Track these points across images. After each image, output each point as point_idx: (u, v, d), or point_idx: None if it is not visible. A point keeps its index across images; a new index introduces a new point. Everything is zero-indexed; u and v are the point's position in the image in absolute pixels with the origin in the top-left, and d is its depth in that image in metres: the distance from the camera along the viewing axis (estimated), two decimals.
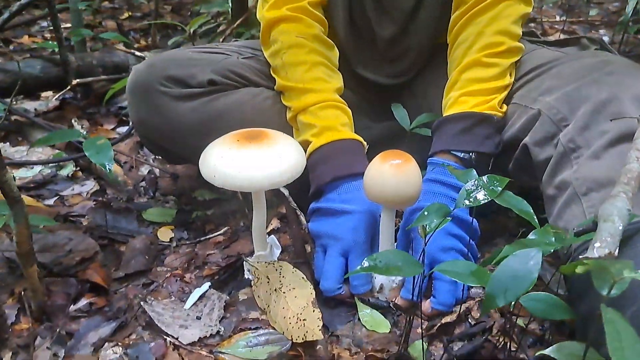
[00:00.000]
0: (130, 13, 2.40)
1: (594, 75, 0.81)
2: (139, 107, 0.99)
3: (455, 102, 0.92)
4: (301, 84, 0.97)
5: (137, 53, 1.49)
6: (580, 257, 0.46)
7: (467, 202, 0.65)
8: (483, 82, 0.91)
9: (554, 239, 0.64)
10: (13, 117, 1.33)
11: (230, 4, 1.46)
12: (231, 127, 0.92)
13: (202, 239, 1.05)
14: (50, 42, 1.47)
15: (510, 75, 0.94)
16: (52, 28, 1.77)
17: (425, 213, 0.62)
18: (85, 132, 1.43)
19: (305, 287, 0.83)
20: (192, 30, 1.44)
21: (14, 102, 1.39)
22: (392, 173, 0.76)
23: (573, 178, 0.75)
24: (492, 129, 0.89)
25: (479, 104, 0.90)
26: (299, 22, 0.98)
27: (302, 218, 1.04)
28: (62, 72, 1.40)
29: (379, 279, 0.86)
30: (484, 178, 0.65)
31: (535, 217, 0.63)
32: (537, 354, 0.61)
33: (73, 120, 1.45)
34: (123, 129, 1.46)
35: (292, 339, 0.77)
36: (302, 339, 0.76)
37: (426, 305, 0.82)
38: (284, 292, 0.84)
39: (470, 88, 0.91)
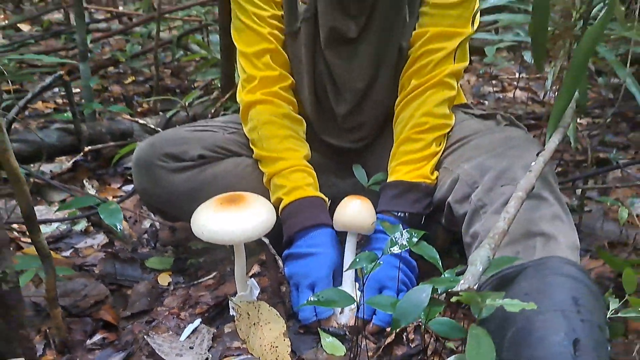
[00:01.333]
0: (134, 78, 2.66)
1: (498, 149, 1.05)
2: (141, 178, 1.22)
3: (393, 171, 1.17)
4: (275, 154, 1.20)
5: (140, 121, 1.74)
6: (449, 291, 0.68)
7: (394, 249, 0.86)
8: (412, 153, 1.14)
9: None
10: (33, 180, 1.56)
11: (219, 77, 1.71)
12: (218, 192, 1.15)
13: (195, 282, 1.25)
14: (65, 114, 1.71)
15: (439, 144, 1.17)
16: (63, 93, 2.03)
17: (357, 260, 0.84)
18: (95, 191, 1.66)
19: (278, 322, 1.03)
20: (186, 103, 1.69)
21: (32, 167, 1.62)
22: (352, 207, 1.07)
23: (481, 229, 0.97)
24: (420, 194, 1.13)
25: (411, 171, 1.13)
26: (270, 104, 1.22)
27: (280, 263, 1.25)
28: (75, 140, 1.63)
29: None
30: (405, 231, 0.87)
31: (439, 261, 0.85)
32: None
33: (84, 181, 1.68)
34: (128, 187, 1.69)
35: None
36: None
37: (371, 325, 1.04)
38: (261, 326, 1.04)
39: (403, 159, 1.15)
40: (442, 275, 0.85)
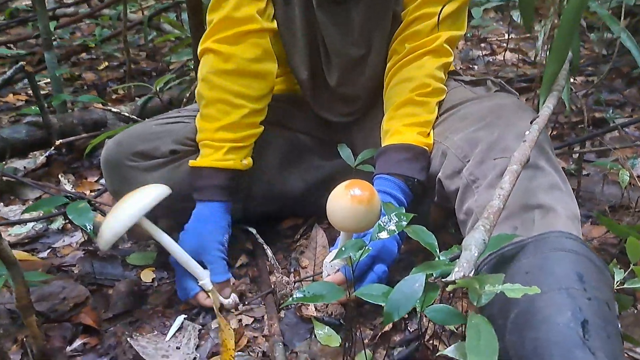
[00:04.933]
0: (107, 63, 2.55)
1: (488, 118, 0.98)
2: (112, 179, 1.15)
3: (396, 131, 1.08)
4: (198, 119, 1.13)
5: (113, 109, 1.65)
6: (442, 279, 0.62)
7: (382, 234, 0.80)
8: (416, 116, 1.07)
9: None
10: (4, 178, 1.48)
11: (192, 57, 1.62)
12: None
13: None
14: (32, 107, 1.62)
15: (436, 111, 1.10)
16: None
17: (343, 249, 0.77)
18: (71, 186, 1.58)
19: None
20: (158, 88, 1.60)
21: (4, 163, 1.54)
22: (356, 206, 0.86)
23: (475, 206, 0.90)
24: (426, 162, 1.06)
25: (419, 135, 1.06)
26: (217, 55, 1.08)
27: (269, 252, 1.19)
28: (45, 134, 1.55)
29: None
30: (394, 215, 0.80)
31: (436, 247, 0.78)
32: (437, 354, 0.76)
33: (60, 176, 1.60)
34: None
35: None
36: None
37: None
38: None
39: (407, 121, 1.07)
40: (437, 259, 0.79)
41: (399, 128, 1.08)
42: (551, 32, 1.20)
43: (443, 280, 0.61)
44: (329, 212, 0.90)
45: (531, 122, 0.87)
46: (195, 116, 1.22)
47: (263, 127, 1.17)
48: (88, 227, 0.99)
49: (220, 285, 1.05)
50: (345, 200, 0.87)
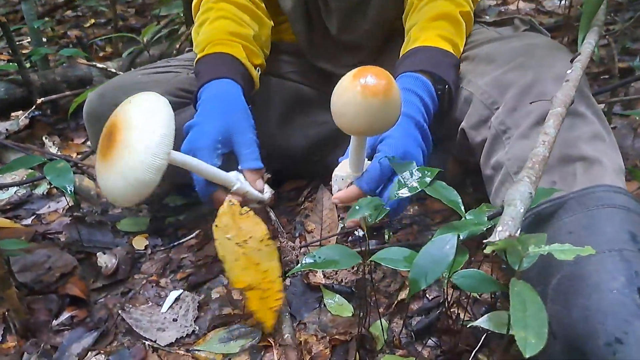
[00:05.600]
0: (94, 20, 2.40)
1: (519, 59, 0.86)
2: (96, 134, 1.03)
3: (429, 39, 0.92)
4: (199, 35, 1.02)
5: (99, 65, 1.52)
6: (484, 242, 0.52)
7: (402, 191, 0.70)
8: (449, 30, 0.94)
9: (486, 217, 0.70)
10: None
11: (182, 9, 1.48)
12: None
13: (176, 243, 1.10)
14: (10, 63, 1.49)
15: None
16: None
17: (357, 207, 0.67)
18: (57, 149, 1.48)
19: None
20: (145, 39, 1.46)
21: None
22: (369, 100, 0.65)
23: (505, 158, 0.80)
24: (457, 74, 0.92)
25: (453, 48, 0.93)
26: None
27: (272, 215, 1.09)
28: (26, 92, 1.43)
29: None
30: (415, 169, 0.70)
31: (461, 205, 0.68)
32: (468, 325, 0.67)
33: (44, 138, 1.49)
34: None
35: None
36: None
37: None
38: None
39: (444, 34, 0.93)
40: (464, 219, 0.69)
41: (433, 37, 0.93)
42: None
43: (485, 241, 0.51)
44: (334, 111, 0.69)
45: (571, 61, 0.75)
46: (186, 65, 1.11)
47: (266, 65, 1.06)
48: (68, 189, 0.88)
49: (254, 175, 0.89)
50: (355, 92, 0.65)
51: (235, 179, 0.88)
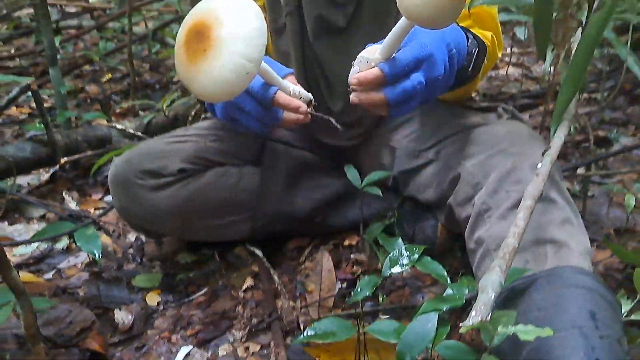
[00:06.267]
0: (110, 75, 2.55)
1: (501, 145, 0.98)
2: (120, 197, 1.14)
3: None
4: None
5: (118, 126, 1.65)
6: (460, 324, 0.61)
7: (395, 269, 0.80)
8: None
9: (467, 290, 0.80)
10: (8, 197, 1.47)
11: None
12: (202, 206, 1.08)
13: (186, 300, 1.19)
14: (38, 124, 1.62)
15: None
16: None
17: (359, 289, 0.77)
18: (75, 204, 1.58)
19: None
20: (165, 106, 1.60)
21: (13, 183, 1.53)
22: None
23: (486, 235, 0.90)
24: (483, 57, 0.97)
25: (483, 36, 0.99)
26: None
27: (275, 277, 1.19)
28: (50, 151, 1.55)
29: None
30: (404, 248, 0.80)
31: (447, 278, 0.78)
32: None
33: (64, 193, 1.60)
34: (110, 197, 1.60)
35: None
36: None
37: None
38: None
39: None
40: (447, 291, 0.79)
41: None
42: (559, 51, 1.18)
43: (461, 324, 0.60)
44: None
45: (543, 153, 0.87)
46: (204, 134, 1.22)
47: None
48: (97, 255, 0.98)
49: (292, 78, 0.93)
50: None
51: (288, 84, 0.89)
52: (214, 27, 0.72)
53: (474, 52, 0.93)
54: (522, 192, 0.88)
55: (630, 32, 1.26)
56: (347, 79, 0.90)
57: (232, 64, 0.72)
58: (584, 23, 0.94)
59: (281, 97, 0.86)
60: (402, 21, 0.74)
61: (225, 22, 0.72)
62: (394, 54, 0.79)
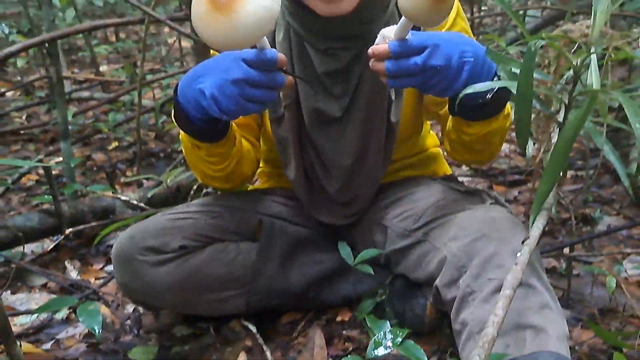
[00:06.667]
0: (117, 143, 2.66)
1: (485, 230, 1.04)
2: (122, 273, 1.19)
3: None
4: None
5: (123, 197, 1.72)
6: None
7: (379, 351, 0.84)
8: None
9: None
10: (14, 266, 1.52)
11: None
12: (201, 282, 1.13)
13: None
14: (45, 196, 1.69)
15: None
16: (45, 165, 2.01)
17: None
18: (77, 273, 1.63)
19: None
20: (168, 180, 1.68)
21: (13, 251, 1.58)
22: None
23: (470, 318, 0.95)
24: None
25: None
26: None
27: (268, 354, 1.21)
28: (57, 222, 1.61)
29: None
30: (388, 331, 0.85)
31: None
32: None
33: (66, 262, 1.65)
34: (111, 267, 1.65)
35: None
36: None
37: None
38: None
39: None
40: None
41: None
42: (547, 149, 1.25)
43: None
44: None
45: (522, 242, 0.93)
46: (204, 211, 1.28)
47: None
48: (97, 330, 1.02)
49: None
50: None
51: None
52: None
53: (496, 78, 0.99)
54: (503, 277, 0.94)
55: (605, 126, 1.35)
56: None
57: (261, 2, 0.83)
58: (562, 120, 1.02)
59: (281, 56, 0.94)
60: (403, 18, 0.89)
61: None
62: (406, 37, 0.92)
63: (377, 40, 0.96)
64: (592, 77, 0.91)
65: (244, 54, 0.91)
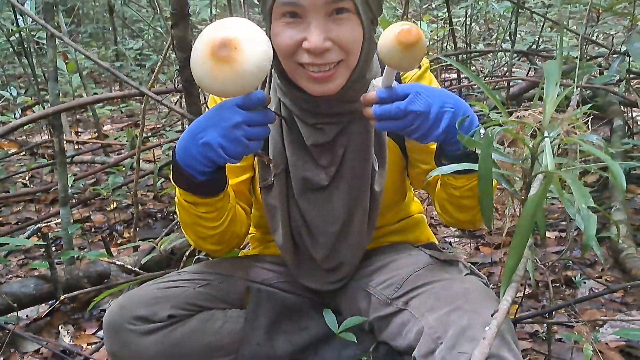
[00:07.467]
0: (116, 204, 2.73)
1: (459, 302, 1.08)
2: (112, 341, 1.23)
3: None
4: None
5: (118, 262, 1.77)
6: None
7: None
8: None
9: None
10: (10, 332, 1.55)
11: None
12: (189, 350, 1.17)
13: None
14: (41, 262, 1.75)
15: None
16: (44, 225, 2.07)
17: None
18: (69, 338, 1.65)
19: None
20: (162, 247, 1.73)
21: (8, 316, 1.62)
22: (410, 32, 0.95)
23: None
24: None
25: None
26: None
27: None
28: (52, 287, 1.65)
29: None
30: None
31: None
32: None
33: (60, 327, 1.68)
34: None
35: None
36: None
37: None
38: None
39: None
40: None
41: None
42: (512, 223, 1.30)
43: None
44: (380, 45, 0.99)
45: (492, 315, 0.97)
46: (195, 279, 1.33)
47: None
48: None
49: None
50: (392, 34, 0.96)
51: None
52: (238, 38, 0.95)
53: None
54: (475, 349, 0.98)
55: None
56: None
57: (260, 52, 0.96)
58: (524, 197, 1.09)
59: (266, 94, 1.06)
60: (387, 67, 1.03)
61: (244, 33, 0.96)
62: (392, 85, 1.04)
63: (368, 89, 1.08)
64: (547, 159, 0.98)
65: (234, 101, 1.02)
